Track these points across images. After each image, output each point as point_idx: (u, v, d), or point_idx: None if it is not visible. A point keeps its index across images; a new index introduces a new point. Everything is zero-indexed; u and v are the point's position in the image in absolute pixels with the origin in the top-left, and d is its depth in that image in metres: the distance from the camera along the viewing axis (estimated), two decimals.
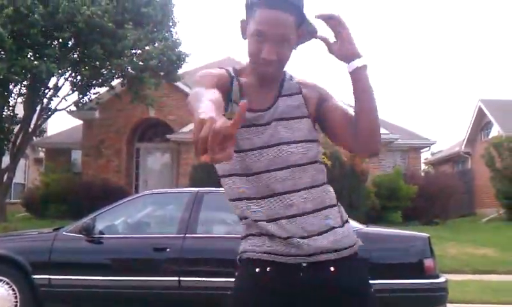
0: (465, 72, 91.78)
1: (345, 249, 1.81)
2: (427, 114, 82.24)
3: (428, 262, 5.40)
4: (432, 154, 31.35)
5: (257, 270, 1.80)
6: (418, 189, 16.21)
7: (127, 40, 14.25)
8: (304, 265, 1.76)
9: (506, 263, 10.34)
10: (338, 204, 1.89)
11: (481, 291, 7.70)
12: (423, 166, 27.28)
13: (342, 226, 1.85)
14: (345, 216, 1.89)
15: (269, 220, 1.77)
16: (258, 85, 1.86)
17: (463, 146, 26.15)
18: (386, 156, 19.16)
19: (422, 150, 22.27)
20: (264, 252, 1.79)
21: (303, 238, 1.76)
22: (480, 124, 25.02)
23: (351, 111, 1.84)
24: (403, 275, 5.40)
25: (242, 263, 1.86)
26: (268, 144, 1.78)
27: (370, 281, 1.87)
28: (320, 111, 1.86)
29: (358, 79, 1.79)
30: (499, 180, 18.91)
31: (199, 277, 5.48)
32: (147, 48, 15.60)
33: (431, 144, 22.42)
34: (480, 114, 24.57)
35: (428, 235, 5.72)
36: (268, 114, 1.82)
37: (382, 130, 13.31)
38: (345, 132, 1.84)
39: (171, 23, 16.68)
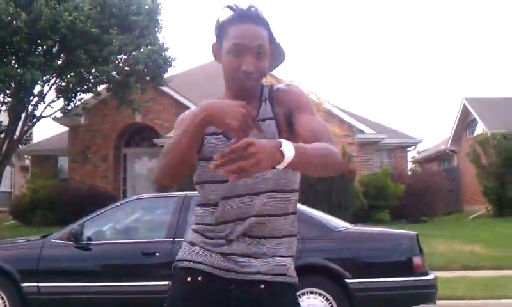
0: (449, 71, 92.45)
1: (281, 275, 1.81)
2: (413, 113, 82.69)
3: (417, 260, 5.44)
4: (419, 153, 31.55)
5: (189, 279, 1.82)
6: (406, 188, 16.30)
7: (113, 46, 14.20)
8: (238, 278, 1.79)
9: (494, 258, 10.41)
10: (296, 235, 1.90)
11: (470, 287, 7.76)
12: (410, 165, 27.45)
13: (290, 257, 1.86)
14: (295, 251, 1.90)
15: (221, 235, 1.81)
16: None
17: (449, 144, 26.36)
18: (373, 155, 19.25)
19: (408, 149, 22.41)
20: (201, 263, 1.81)
21: (245, 256, 1.79)
22: (465, 122, 25.24)
23: (315, 134, 1.76)
24: (392, 273, 5.44)
25: (176, 271, 1.88)
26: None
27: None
28: (290, 121, 1.85)
29: (295, 168, 1.63)
30: (485, 177, 19.09)
31: None
32: (133, 53, 15.56)
33: (417, 143, 22.56)
34: (465, 112, 24.78)
35: (416, 232, 5.77)
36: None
37: (369, 130, 13.34)
38: None
39: (157, 29, 16.65)
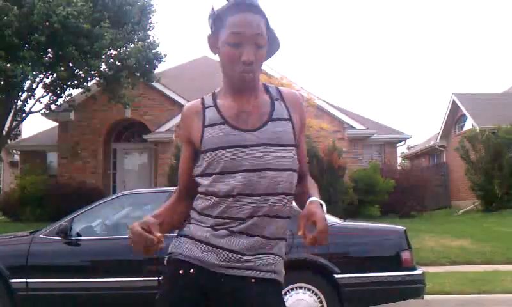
0: (439, 66, 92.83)
1: (270, 272, 1.81)
2: (403, 109, 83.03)
3: (405, 255, 5.47)
4: (408, 148, 31.71)
5: (181, 272, 1.81)
6: (395, 183, 16.36)
7: (104, 40, 14.12)
8: (227, 274, 1.78)
9: (482, 253, 10.49)
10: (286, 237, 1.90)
11: (458, 282, 7.80)
12: (399, 160, 27.57)
13: (280, 257, 1.86)
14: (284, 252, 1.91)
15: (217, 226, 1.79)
16: (237, 101, 1.84)
17: (438, 140, 26.46)
18: (363, 151, 19.32)
19: (398, 144, 22.49)
20: (193, 258, 1.80)
21: (242, 254, 1.78)
22: (454, 117, 25.34)
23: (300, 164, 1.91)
24: (380, 268, 5.46)
25: (169, 265, 1.88)
26: (254, 168, 1.77)
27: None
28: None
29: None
30: (474, 173, 19.18)
31: None
32: (124, 48, 15.50)
33: (407, 139, 22.64)
34: (454, 107, 24.88)
35: (404, 227, 5.79)
36: (255, 136, 1.80)
37: (359, 126, 13.43)
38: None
39: (148, 27, 16.58)
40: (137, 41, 15.70)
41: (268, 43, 1.84)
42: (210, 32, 1.85)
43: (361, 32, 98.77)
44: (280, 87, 1.96)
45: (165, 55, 16.52)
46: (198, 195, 1.86)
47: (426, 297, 5.80)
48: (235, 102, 1.84)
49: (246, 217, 1.76)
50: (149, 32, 16.62)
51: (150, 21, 16.57)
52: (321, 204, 1.77)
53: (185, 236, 1.86)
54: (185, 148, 1.91)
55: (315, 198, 1.80)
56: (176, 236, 1.91)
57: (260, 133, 1.80)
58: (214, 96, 1.90)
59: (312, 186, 1.96)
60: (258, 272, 1.78)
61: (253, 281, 1.77)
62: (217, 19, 1.80)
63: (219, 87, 1.93)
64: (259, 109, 1.84)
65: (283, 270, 1.88)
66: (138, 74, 16.39)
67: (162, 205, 1.99)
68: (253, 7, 1.76)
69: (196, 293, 1.79)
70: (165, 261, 1.90)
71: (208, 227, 1.80)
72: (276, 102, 1.87)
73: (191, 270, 1.80)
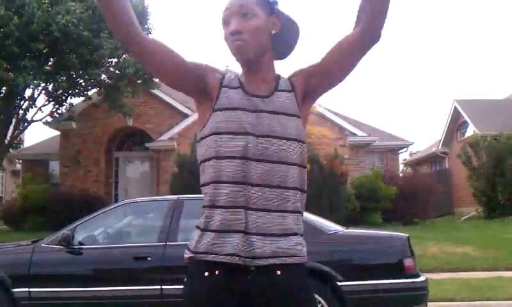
0: (440, 73, 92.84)
1: (292, 257, 1.79)
2: (404, 116, 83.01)
3: (408, 262, 5.45)
4: (410, 155, 31.68)
5: (206, 274, 1.77)
6: (397, 190, 16.34)
7: (104, 49, 14.15)
8: (252, 268, 1.75)
9: (485, 260, 10.45)
10: (301, 212, 1.88)
11: (461, 289, 7.78)
12: (401, 167, 27.56)
13: (298, 235, 1.83)
14: (301, 227, 1.87)
15: (235, 208, 1.76)
16: (248, 74, 1.90)
17: (440, 146, 26.45)
18: (364, 158, 19.30)
19: (400, 151, 22.48)
20: (217, 254, 1.75)
21: (260, 239, 1.75)
22: (456, 124, 25.34)
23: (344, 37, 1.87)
24: (384, 276, 5.44)
25: (192, 266, 1.83)
26: (261, 134, 1.80)
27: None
28: (312, 83, 1.91)
29: None
30: (476, 179, 19.15)
31: (181, 285, 5.43)
32: (124, 56, 15.52)
33: (409, 145, 22.63)
34: (456, 114, 24.88)
35: (407, 234, 5.77)
36: (264, 103, 1.85)
37: (360, 133, 13.37)
38: (347, 49, 1.86)
39: (146, 32, 16.58)
40: None
41: (282, 26, 1.91)
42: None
43: None
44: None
45: None
46: (209, 179, 1.82)
47: (429, 304, 5.77)
48: (246, 74, 1.90)
49: (271, 210, 1.76)
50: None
51: (147, 24, 16.51)
52: None
53: (206, 228, 1.81)
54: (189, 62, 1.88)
55: None
56: (196, 228, 1.86)
57: (269, 100, 1.85)
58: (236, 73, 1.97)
59: None
60: (284, 258, 1.77)
61: (278, 272, 1.76)
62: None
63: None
64: (267, 82, 1.90)
65: (304, 250, 1.84)
66: (138, 82, 16.37)
67: None
68: None
69: (225, 294, 1.76)
70: (186, 260, 1.85)
71: (227, 215, 1.76)
72: (281, 79, 1.92)
73: (217, 272, 1.76)
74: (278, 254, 1.76)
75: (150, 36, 1.96)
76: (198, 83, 1.87)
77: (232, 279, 1.75)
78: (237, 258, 1.74)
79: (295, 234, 1.81)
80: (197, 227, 1.85)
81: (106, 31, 14.46)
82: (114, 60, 15.85)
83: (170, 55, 1.83)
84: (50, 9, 13.34)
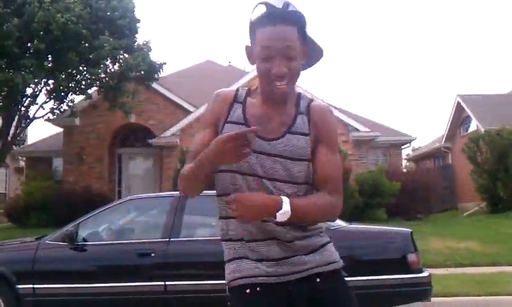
0: (443, 68, 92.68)
1: (330, 264, 1.85)
2: (407, 111, 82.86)
3: (412, 257, 5.46)
4: (413, 150, 31.61)
5: (248, 291, 1.80)
6: (401, 185, 16.31)
7: (104, 50, 14.13)
8: (293, 279, 1.80)
9: (488, 255, 10.45)
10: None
11: (465, 285, 7.78)
12: (404, 163, 27.50)
13: (328, 243, 1.90)
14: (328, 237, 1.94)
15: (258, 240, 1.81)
16: (265, 105, 1.86)
17: (443, 142, 26.38)
18: (368, 153, 19.27)
19: (403, 147, 22.44)
20: (253, 276, 1.79)
21: (296, 255, 1.81)
22: (459, 119, 25.26)
23: (325, 172, 1.85)
24: (387, 271, 5.45)
25: (232, 291, 1.85)
26: (264, 176, 1.80)
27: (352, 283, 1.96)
28: (314, 145, 1.87)
29: (289, 222, 1.77)
30: (479, 174, 19.10)
31: (185, 280, 5.47)
32: (125, 55, 15.49)
33: (412, 141, 22.60)
34: (459, 109, 24.81)
35: (410, 230, 5.78)
36: (270, 145, 1.82)
37: (363, 128, 13.36)
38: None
39: (144, 42, 16.36)
40: (134, 52, 15.61)
41: (307, 54, 1.86)
42: (249, 44, 1.87)
43: (365, 35, 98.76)
44: (312, 102, 1.94)
45: (164, 63, 16.43)
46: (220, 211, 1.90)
47: (433, 299, 5.77)
48: (263, 104, 1.87)
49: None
50: (146, 39, 16.58)
51: (136, 25, 16.32)
52: (281, 208, 1.69)
53: (236, 257, 1.85)
54: (209, 130, 1.89)
55: (284, 198, 1.72)
56: (226, 263, 1.90)
57: (276, 144, 1.82)
58: (248, 93, 1.92)
59: (316, 197, 1.84)
60: (321, 267, 1.83)
61: (318, 279, 1.81)
62: (252, 30, 1.82)
63: (252, 87, 1.97)
64: (281, 118, 1.85)
65: (337, 256, 1.92)
66: (138, 81, 16.30)
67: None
68: (285, 18, 1.75)
69: (271, 300, 1.80)
70: (227, 290, 1.88)
71: (241, 243, 1.84)
72: (298, 116, 1.87)
73: (257, 288, 1.79)
74: (318, 264, 1.83)
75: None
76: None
77: (274, 291, 1.79)
78: (275, 278, 1.79)
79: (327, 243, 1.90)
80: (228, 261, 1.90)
81: (106, 32, 14.44)
82: (115, 62, 15.79)
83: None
84: (50, 8, 13.31)
